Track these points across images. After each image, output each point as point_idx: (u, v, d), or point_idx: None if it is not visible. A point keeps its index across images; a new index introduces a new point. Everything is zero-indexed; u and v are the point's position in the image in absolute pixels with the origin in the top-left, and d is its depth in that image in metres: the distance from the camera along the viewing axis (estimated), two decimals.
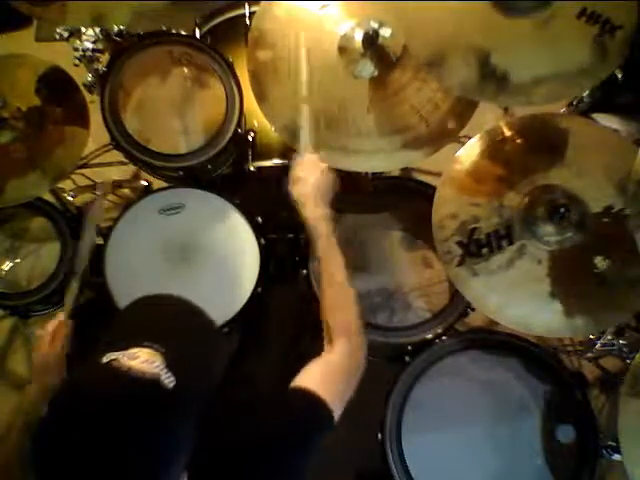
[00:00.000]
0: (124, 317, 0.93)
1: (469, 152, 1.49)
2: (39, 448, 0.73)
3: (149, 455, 0.74)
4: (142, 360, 0.77)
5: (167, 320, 0.89)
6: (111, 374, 0.75)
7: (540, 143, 1.48)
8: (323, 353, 1.14)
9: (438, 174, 1.53)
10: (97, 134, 1.74)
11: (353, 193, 1.37)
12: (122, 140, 1.71)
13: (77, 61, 1.74)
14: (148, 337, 0.80)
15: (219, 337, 0.95)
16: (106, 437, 0.71)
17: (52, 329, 1.36)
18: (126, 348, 0.78)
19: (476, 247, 1.41)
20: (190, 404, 0.81)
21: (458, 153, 1.50)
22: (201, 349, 0.88)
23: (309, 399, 1.00)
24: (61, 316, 1.40)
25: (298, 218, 1.29)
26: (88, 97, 1.72)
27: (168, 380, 0.77)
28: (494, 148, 1.48)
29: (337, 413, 1.03)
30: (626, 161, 1.29)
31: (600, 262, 1.35)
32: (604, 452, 1.51)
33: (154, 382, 0.76)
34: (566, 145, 1.45)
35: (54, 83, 1.68)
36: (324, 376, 1.07)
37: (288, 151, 1.71)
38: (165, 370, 0.77)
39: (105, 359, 0.77)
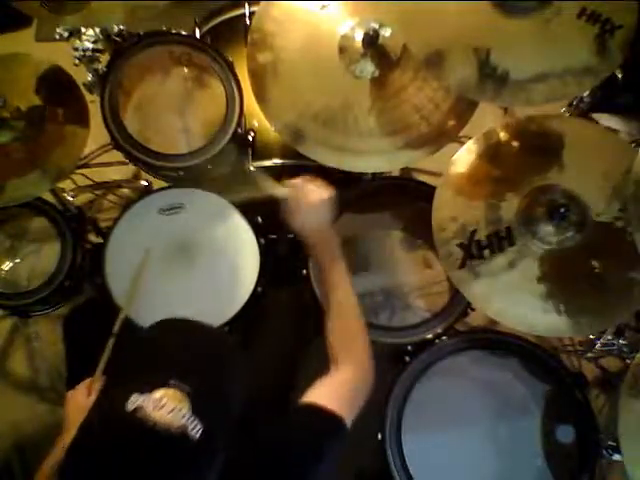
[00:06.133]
0: (147, 346, 0.91)
1: (467, 155, 1.49)
2: None
3: None
4: (168, 410, 0.76)
5: (192, 351, 0.88)
6: (136, 429, 0.75)
7: (537, 145, 1.48)
8: (329, 373, 1.14)
9: (438, 174, 1.53)
10: (97, 134, 1.74)
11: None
12: (122, 140, 1.70)
13: (77, 61, 1.73)
14: (173, 373, 0.80)
15: (242, 361, 0.95)
16: None
17: (86, 386, 1.27)
18: (151, 389, 0.77)
19: (477, 249, 1.41)
20: (218, 445, 0.81)
21: (456, 156, 1.50)
22: (227, 379, 0.88)
23: (319, 412, 1.01)
24: (96, 375, 1.30)
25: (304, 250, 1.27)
26: (88, 97, 1.71)
27: (195, 430, 0.76)
28: (492, 150, 1.49)
29: (347, 423, 1.03)
30: (624, 161, 1.29)
31: (600, 262, 1.35)
32: (604, 452, 1.51)
33: (181, 436, 0.75)
34: (563, 146, 1.46)
35: (54, 83, 1.68)
36: (331, 390, 1.08)
37: (288, 151, 1.72)
38: (192, 418, 0.76)
39: (130, 405, 0.76)
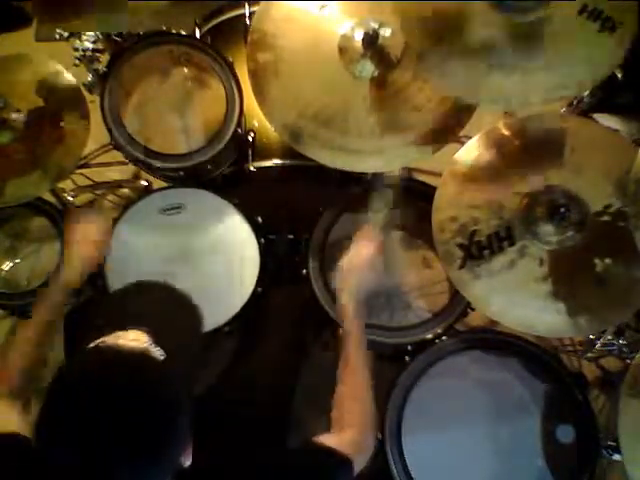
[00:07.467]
0: (107, 306, 0.97)
1: (468, 154, 1.49)
2: (44, 437, 0.75)
3: (154, 422, 0.76)
4: (130, 339, 0.80)
5: (147, 302, 0.95)
6: (103, 355, 0.78)
7: (538, 143, 1.48)
8: (331, 433, 1.14)
9: (438, 174, 1.53)
10: (97, 134, 1.74)
11: None
12: (122, 140, 1.71)
13: (77, 61, 1.74)
14: (131, 321, 0.84)
15: (198, 313, 0.99)
16: (109, 411, 0.73)
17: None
18: (111, 333, 0.81)
19: (477, 249, 1.41)
20: (181, 374, 0.84)
21: (457, 155, 1.50)
22: (183, 325, 0.93)
23: (330, 451, 1.03)
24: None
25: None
26: (88, 97, 1.71)
27: (159, 352, 0.80)
28: (492, 150, 1.48)
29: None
30: (625, 160, 1.29)
31: (600, 262, 1.35)
32: (604, 452, 1.51)
33: (145, 355, 0.79)
34: (564, 145, 1.45)
35: (54, 84, 1.68)
36: (337, 443, 1.08)
37: (288, 151, 1.72)
38: (153, 345, 0.80)
39: (93, 344, 0.80)
